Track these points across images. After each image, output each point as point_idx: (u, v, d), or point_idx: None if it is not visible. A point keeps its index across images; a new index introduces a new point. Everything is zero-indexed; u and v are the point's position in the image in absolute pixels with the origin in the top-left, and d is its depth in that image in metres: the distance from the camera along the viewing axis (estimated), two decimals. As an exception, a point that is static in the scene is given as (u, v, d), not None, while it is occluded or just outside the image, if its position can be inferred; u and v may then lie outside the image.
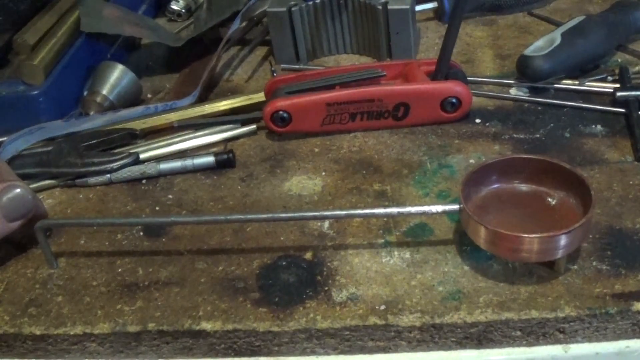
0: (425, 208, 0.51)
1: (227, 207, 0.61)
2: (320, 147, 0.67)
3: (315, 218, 0.56)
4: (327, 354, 0.50)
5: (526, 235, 0.47)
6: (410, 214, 0.55)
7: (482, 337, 0.48)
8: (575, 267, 0.50)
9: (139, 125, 0.71)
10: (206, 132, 0.69)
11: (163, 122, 0.72)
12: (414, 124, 0.67)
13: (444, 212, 0.51)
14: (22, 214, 0.55)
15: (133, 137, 0.70)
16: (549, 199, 0.53)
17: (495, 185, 0.54)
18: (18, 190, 0.54)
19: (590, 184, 0.49)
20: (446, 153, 0.63)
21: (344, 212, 0.55)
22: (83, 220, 0.61)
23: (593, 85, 0.69)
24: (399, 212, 0.52)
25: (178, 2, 0.97)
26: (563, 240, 0.47)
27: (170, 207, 0.62)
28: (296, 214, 0.55)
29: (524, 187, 0.54)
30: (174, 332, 0.50)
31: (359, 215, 0.56)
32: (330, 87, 0.68)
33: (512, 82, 0.72)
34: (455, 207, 0.50)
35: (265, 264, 0.54)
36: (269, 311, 0.50)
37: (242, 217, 0.56)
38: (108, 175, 0.65)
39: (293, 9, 0.78)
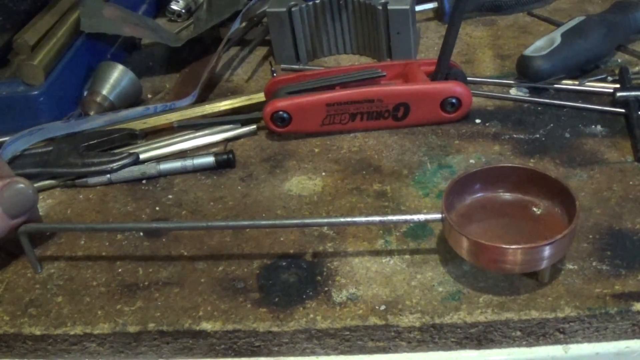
0: (407, 217, 0.51)
1: (227, 207, 0.61)
2: (320, 147, 0.67)
3: (297, 226, 0.56)
4: (327, 354, 0.50)
5: (509, 247, 0.45)
6: (391, 223, 0.54)
7: (482, 337, 0.48)
8: (575, 267, 0.50)
9: (139, 125, 0.71)
10: (206, 132, 0.69)
11: (163, 122, 0.72)
12: (414, 124, 0.67)
13: (426, 221, 0.50)
14: (25, 210, 0.55)
15: (133, 137, 0.70)
16: (534, 209, 0.52)
17: (480, 194, 0.53)
18: (20, 186, 0.55)
19: (576, 194, 0.48)
20: (446, 153, 0.63)
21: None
22: (66, 225, 0.61)
23: (593, 86, 0.69)
24: (380, 221, 0.51)
25: (178, 2, 0.97)
26: (547, 252, 0.46)
27: (170, 207, 0.62)
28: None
29: (508, 196, 0.53)
30: (174, 332, 0.50)
31: (336, 224, 0.55)
32: (330, 88, 0.68)
33: (512, 82, 0.72)
34: (438, 216, 0.49)
35: (265, 264, 0.54)
36: (269, 311, 0.50)
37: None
38: (108, 176, 0.65)
39: (293, 9, 0.78)
